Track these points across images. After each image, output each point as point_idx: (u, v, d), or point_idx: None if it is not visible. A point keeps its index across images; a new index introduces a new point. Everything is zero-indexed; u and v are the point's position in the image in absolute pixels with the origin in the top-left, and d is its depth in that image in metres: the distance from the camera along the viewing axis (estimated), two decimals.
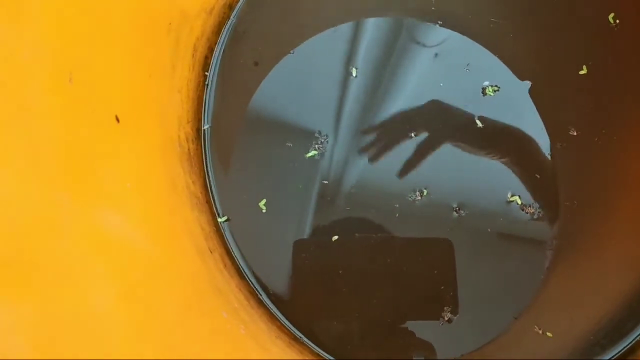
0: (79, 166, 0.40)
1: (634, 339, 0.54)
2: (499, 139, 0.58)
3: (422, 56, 0.60)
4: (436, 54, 0.60)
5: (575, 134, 0.57)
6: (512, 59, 0.59)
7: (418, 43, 0.60)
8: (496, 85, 0.58)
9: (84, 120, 0.42)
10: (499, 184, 0.57)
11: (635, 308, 0.54)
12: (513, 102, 0.58)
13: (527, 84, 0.58)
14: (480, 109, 0.58)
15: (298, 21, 0.62)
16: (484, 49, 0.59)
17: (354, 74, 0.60)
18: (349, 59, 0.60)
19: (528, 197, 0.57)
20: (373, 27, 0.61)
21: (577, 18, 0.59)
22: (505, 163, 0.57)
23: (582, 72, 0.58)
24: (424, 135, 0.58)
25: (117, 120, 0.46)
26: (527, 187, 0.57)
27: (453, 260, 0.56)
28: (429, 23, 0.60)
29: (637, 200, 0.56)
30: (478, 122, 0.58)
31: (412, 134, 0.58)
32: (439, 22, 0.60)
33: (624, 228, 0.56)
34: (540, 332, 0.54)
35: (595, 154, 0.57)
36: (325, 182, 0.58)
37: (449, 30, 0.60)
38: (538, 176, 0.57)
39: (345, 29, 0.61)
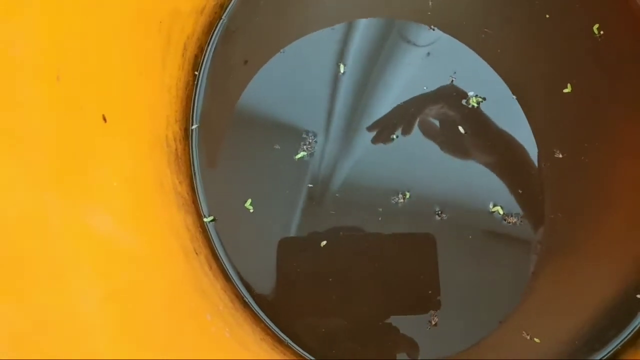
0: (66, 164, 0.40)
1: (614, 348, 0.55)
2: (481, 148, 0.58)
3: (410, 59, 0.60)
4: (425, 58, 0.60)
5: (560, 156, 0.57)
6: (499, 72, 0.59)
7: (409, 44, 0.60)
8: (481, 97, 0.59)
9: (72, 118, 0.42)
10: (481, 192, 0.57)
11: (616, 317, 0.55)
12: (496, 116, 0.59)
13: (512, 99, 0.59)
14: (464, 117, 0.59)
15: (290, 20, 0.62)
16: (472, 58, 0.60)
17: (342, 70, 0.60)
18: (340, 59, 0.61)
19: (510, 208, 0.57)
20: (365, 29, 0.61)
21: (563, 32, 0.60)
22: (487, 172, 0.58)
23: (566, 91, 0.59)
24: (406, 137, 0.59)
25: (105, 120, 0.45)
26: (510, 199, 0.57)
27: (435, 254, 0.56)
28: (423, 26, 0.61)
29: (620, 214, 0.56)
30: (461, 129, 0.59)
31: (395, 136, 0.59)
32: (433, 27, 0.61)
33: (607, 240, 0.56)
34: (528, 337, 0.55)
35: (581, 170, 0.57)
36: (311, 185, 0.59)
37: (441, 35, 0.60)
38: (520, 191, 0.57)
39: (337, 29, 0.61)
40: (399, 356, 0.55)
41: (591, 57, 0.59)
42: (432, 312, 0.56)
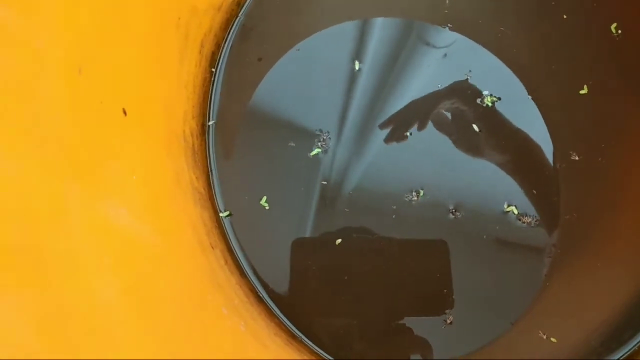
0: (86, 157, 0.40)
1: (631, 348, 0.54)
2: (496, 147, 0.58)
3: (426, 57, 0.60)
4: (441, 57, 0.60)
5: (576, 158, 0.57)
6: (515, 71, 0.59)
7: (425, 44, 0.60)
8: (496, 96, 0.59)
9: (92, 112, 0.42)
10: (496, 191, 0.57)
11: (633, 318, 0.55)
12: (512, 116, 0.58)
13: (528, 99, 0.59)
14: (478, 116, 0.59)
15: (306, 18, 0.63)
16: (487, 57, 0.60)
17: (357, 67, 0.60)
18: (355, 57, 0.61)
19: (525, 208, 0.57)
20: (381, 27, 0.61)
21: (581, 31, 0.60)
22: (502, 172, 0.58)
23: (582, 92, 0.58)
24: (420, 135, 0.59)
25: (125, 113, 0.46)
26: (525, 199, 0.57)
27: (448, 259, 0.56)
28: (438, 25, 0.61)
29: (636, 215, 0.56)
30: (475, 127, 0.58)
31: (409, 134, 0.59)
32: (449, 25, 0.60)
33: (623, 240, 0.56)
34: (545, 337, 0.55)
35: (597, 171, 0.57)
36: (325, 182, 0.59)
37: (457, 34, 0.60)
38: (535, 192, 0.57)
39: (352, 27, 0.61)
40: (412, 356, 0.55)
41: (609, 57, 0.59)
42: (447, 310, 0.56)
